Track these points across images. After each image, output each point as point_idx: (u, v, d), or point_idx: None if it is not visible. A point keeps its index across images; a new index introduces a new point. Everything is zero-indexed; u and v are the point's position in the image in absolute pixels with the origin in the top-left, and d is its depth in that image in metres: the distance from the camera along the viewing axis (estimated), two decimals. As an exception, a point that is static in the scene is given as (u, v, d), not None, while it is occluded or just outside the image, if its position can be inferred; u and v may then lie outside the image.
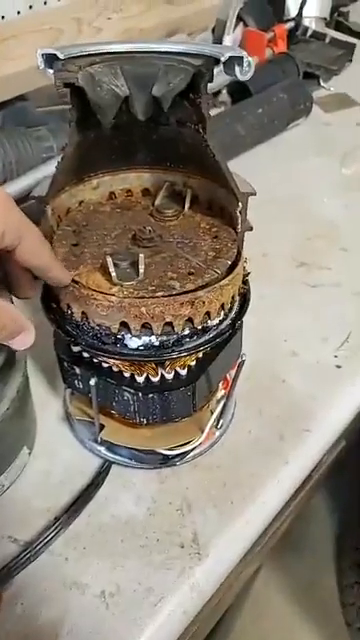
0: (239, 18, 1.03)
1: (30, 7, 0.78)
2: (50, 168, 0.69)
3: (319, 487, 0.62)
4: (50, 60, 0.34)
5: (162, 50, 0.37)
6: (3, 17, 0.75)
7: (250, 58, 0.34)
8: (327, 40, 1.09)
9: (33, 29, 0.74)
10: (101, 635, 0.38)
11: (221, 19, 1.00)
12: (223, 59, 0.34)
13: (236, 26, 1.03)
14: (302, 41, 1.08)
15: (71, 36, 0.76)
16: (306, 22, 1.10)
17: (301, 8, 1.07)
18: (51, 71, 0.34)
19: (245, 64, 0.34)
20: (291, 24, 1.06)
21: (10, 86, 0.69)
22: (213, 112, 0.86)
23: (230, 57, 0.34)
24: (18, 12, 0.76)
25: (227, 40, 1.01)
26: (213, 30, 1.02)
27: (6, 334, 0.35)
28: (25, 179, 0.68)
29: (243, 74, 0.35)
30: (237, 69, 0.35)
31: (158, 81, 0.36)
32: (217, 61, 0.35)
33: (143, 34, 0.82)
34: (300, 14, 1.07)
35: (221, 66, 0.35)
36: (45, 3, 0.79)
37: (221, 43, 1.01)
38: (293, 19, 1.07)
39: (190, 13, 0.90)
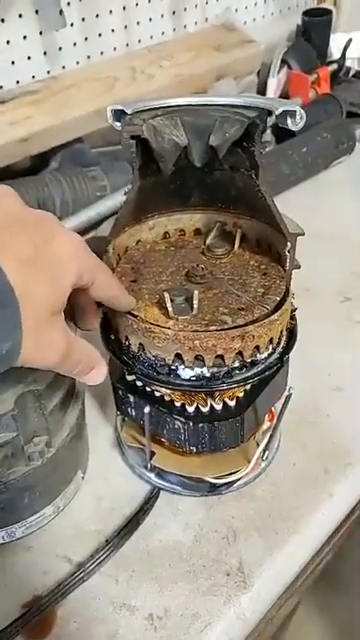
0: (283, 61, 1.07)
1: (88, 57, 0.84)
2: (103, 206, 0.74)
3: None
4: (118, 115, 0.38)
5: (219, 103, 0.40)
6: (64, 67, 0.81)
7: (303, 111, 0.36)
8: (369, 80, 1.12)
9: (91, 77, 0.80)
10: (150, 658, 0.39)
11: (266, 63, 1.05)
12: (277, 112, 0.37)
13: (280, 69, 1.07)
14: (345, 81, 1.11)
15: (126, 83, 0.81)
16: (348, 63, 1.13)
17: (344, 50, 1.10)
18: (119, 124, 0.38)
19: (297, 117, 0.36)
20: (334, 66, 1.10)
21: (70, 130, 0.74)
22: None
23: (283, 110, 0.36)
24: (77, 62, 0.82)
25: (272, 83, 1.05)
26: (258, 73, 1.07)
27: (80, 370, 0.37)
28: (80, 216, 0.73)
29: (295, 125, 0.37)
30: (289, 120, 0.37)
31: (215, 131, 0.39)
32: (270, 113, 0.38)
33: (193, 79, 0.87)
34: (343, 56, 1.10)
35: (274, 117, 0.38)
36: (102, 53, 0.85)
37: (266, 85, 1.06)
38: (336, 61, 1.10)
39: (237, 59, 0.94)
